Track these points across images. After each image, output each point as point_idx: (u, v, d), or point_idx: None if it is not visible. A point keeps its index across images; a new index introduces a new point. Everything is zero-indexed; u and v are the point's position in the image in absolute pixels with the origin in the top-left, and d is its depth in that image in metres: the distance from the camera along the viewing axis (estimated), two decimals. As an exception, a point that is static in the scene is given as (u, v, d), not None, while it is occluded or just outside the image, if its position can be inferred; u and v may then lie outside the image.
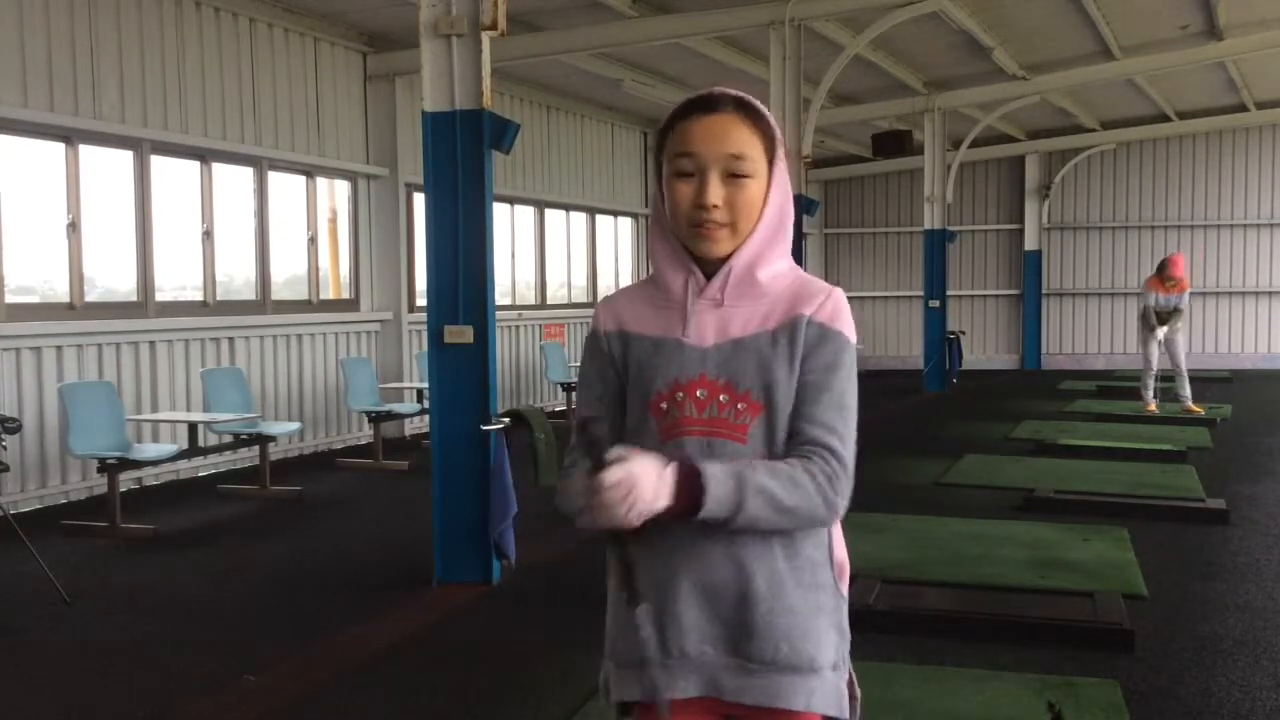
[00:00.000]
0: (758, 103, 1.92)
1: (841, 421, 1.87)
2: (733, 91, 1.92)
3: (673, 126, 1.91)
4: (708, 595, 1.87)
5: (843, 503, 1.85)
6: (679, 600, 1.87)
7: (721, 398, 1.87)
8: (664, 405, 1.89)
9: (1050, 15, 12.88)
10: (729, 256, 1.90)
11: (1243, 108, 18.96)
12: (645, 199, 17.35)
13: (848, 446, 1.87)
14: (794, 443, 1.86)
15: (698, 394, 1.87)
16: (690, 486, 1.76)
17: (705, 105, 1.89)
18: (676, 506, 1.76)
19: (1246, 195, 20.18)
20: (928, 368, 17.22)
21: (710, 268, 1.91)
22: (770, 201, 1.90)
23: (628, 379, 1.94)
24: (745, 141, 1.87)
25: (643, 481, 1.72)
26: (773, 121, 1.93)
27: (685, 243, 1.91)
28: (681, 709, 1.90)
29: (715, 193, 1.85)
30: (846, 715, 1.93)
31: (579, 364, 2.01)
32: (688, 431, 1.87)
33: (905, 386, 16.43)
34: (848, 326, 1.90)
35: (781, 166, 1.93)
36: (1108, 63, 14.78)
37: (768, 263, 1.91)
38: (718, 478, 1.77)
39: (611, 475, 1.72)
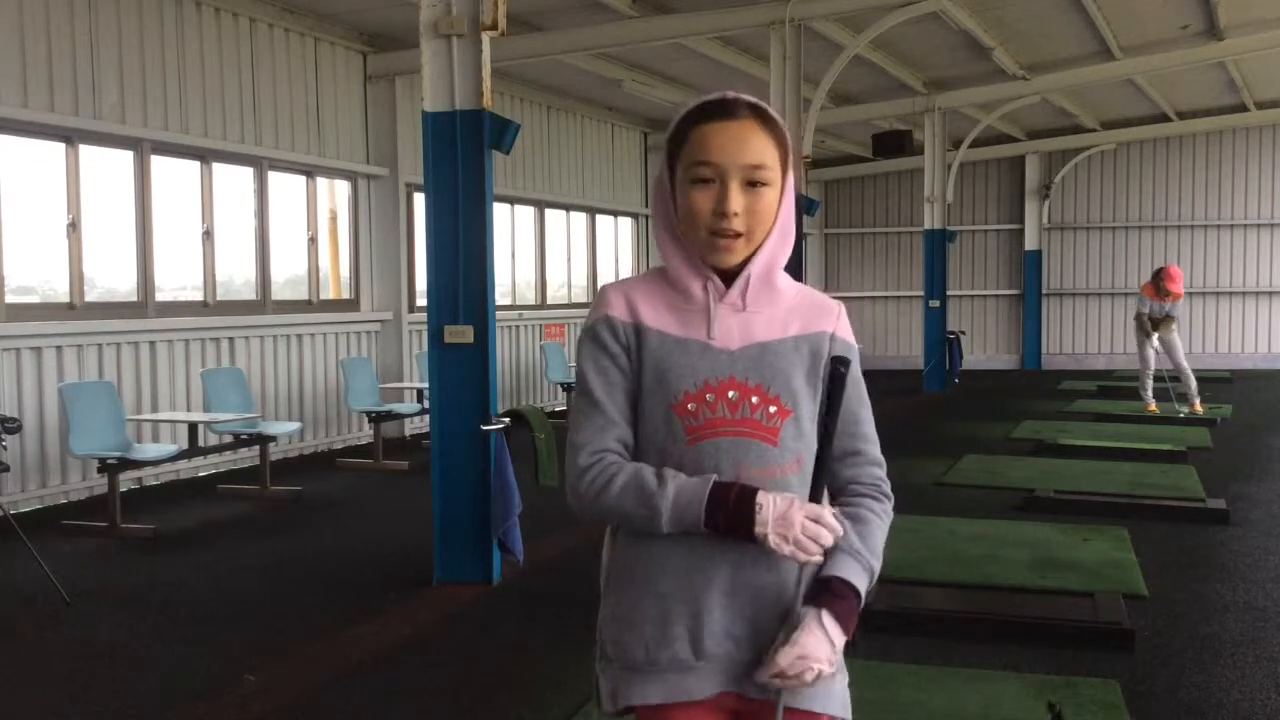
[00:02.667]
0: (772, 109, 1.92)
1: (874, 428, 2.01)
2: (747, 97, 1.90)
3: (686, 131, 1.88)
4: (741, 597, 1.87)
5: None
6: (711, 602, 1.87)
7: (753, 399, 1.88)
8: (691, 406, 1.87)
9: (1050, 15, 12.88)
10: (745, 261, 1.90)
11: (1243, 108, 18.97)
12: (645, 199, 17.35)
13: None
14: (855, 463, 1.96)
15: (729, 395, 1.87)
16: (851, 609, 1.86)
17: (722, 111, 1.87)
18: (849, 628, 1.87)
19: (1246, 195, 20.18)
20: (928, 368, 17.22)
21: (725, 272, 1.92)
22: (783, 207, 1.91)
23: (642, 375, 1.90)
24: (764, 150, 1.86)
25: (819, 653, 1.81)
26: (785, 129, 1.93)
27: (698, 251, 1.90)
28: (692, 710, 1.90)
29: (736, 201, 1.84)
30: (849, 715, 1.95)
31: (580, 352, 1.95)
32: (720, 432, 1.87)
33: (905, 386, 16.43)
34: (854, 338, 2.01)
35: (791, 174, 1.94)
36: (1108, 63, 14.78)
37: (779, 268, 1.94)
38: (863, 585, 1.88)
39: (785, 659, 1.80)
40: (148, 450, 8.13)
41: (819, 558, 1.82)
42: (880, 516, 1.94)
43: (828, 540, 1.81)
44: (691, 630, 1.87)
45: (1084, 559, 6.37)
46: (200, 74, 9.74)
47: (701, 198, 1.85)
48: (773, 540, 1.78)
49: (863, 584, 1.86)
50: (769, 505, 1.79)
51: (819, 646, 1.80)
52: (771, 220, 1.89)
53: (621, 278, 2.07)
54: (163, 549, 7.11)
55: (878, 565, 1.90)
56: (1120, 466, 9.53)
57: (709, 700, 1.89)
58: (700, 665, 1.88)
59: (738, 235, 1.85)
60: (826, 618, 1.82)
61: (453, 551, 6.06)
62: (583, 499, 1.89)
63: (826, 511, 1.83)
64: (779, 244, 1.92)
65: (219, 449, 9.02)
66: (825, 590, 1.84)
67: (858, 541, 1.88)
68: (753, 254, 1.89)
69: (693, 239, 1.88)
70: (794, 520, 1.79)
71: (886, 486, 1.97)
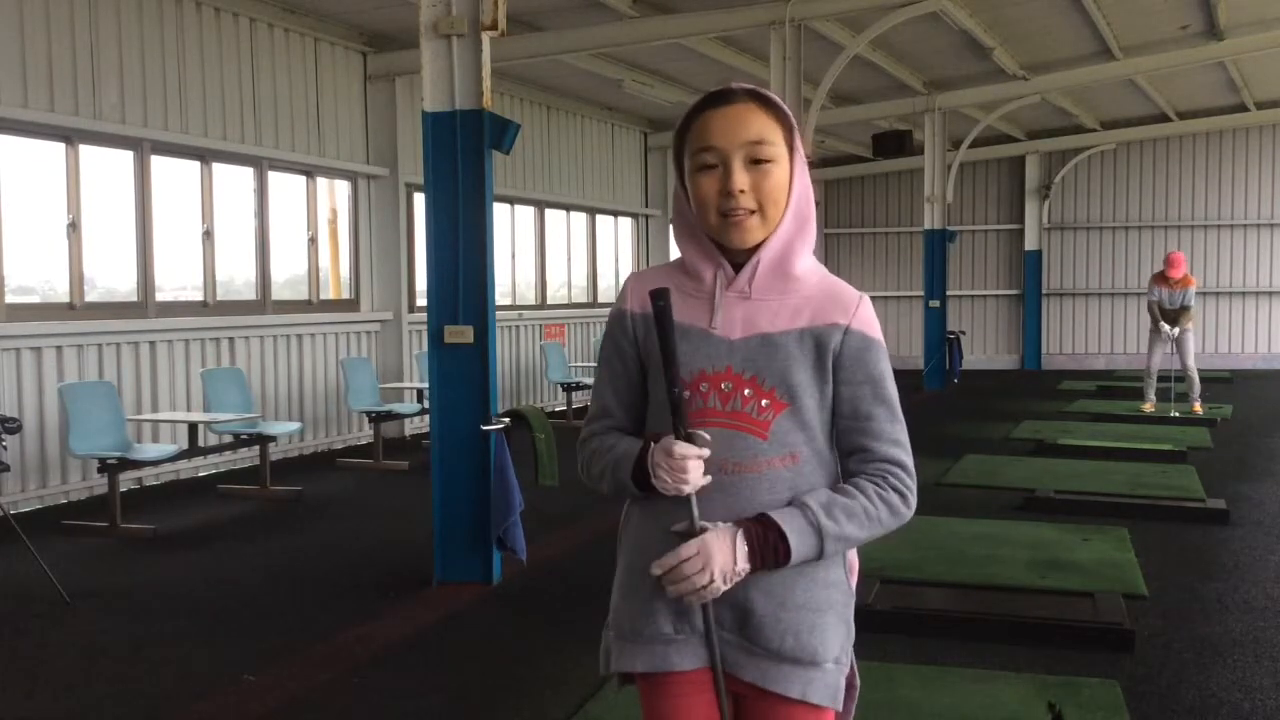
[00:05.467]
0: (772, 94, 1.95)
1: (901, 430, 1.95)
2: (746, 85, 1.94)
3: (690, 124, 1.93)
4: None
5: (913, 508, 1.94)
6: None
7: (746, 392, 1.89)
8: (686, 394, 1.91)
9: (1050, 15, 12.88)
10: (757, 248, 1.91)
11: (1243, 108, 18.97)
12: (645, 199, 17.37)
13: (909, 451, 1.95)
14: (863, 459, 1.93)
15: (722, 386, 1.90)
16: (769, 541, 1.84)
17: (720, 99, 1.91)
18: (756, 566, 1.85)
19: (1246, 195, 20.18)
20: (928, 368, 17.23)
21: (738, 260, 1.93)
22: (794, 188, 1.92)
23: (648, 360, 1.96)
24: (764, 127, 1.88)
25: (717, 556, 1.81)
26: (788, 110, 1.95)
27: (715, 236, 1.92)
28: (683, 682, 1.95)
29: (740, 178, 1.87)
30: (839, 707, 1.96)
31: (601, 341, 2.07)
32: (709, 422, 1.90)
33: (905, 386, 16.14)
34: (879, 331, 1.95)
35: (801, 155, 1.94)
36: (1108, 63, 14.78)
37: (797, 255, 1.93)
38: (800, 541, 1.85)
39: (687, 550, 1.82)
40: (148, 450, 8.13)
41: (687, 487, 1.83)
42: (869, 496, 1.89)
43: (679, 467, 1.82)
44: (673, 605, 1.92)
45: (1084, 559, 6.37)
46: (200, 74, 9.74)
47: (708, 182, 1.89)
48: (655, 482, 1.86)
49: (798, 532, 1.84)
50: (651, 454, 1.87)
51: (722, 554, 1.81)
52: (784, 200, 1.91)
53: (644, 268, 2.11)
54: (163, 549, 7.11)
55: (833, 526, 1.85)
56: (1120, 466, 9.52)
57: (702, 676, 1.93)
58: (681, 639, 1.93)
59: (750, 212, 1.88)
60: (740, 537, 1.83)
61: (453, 551, 6.06)
62: (580, 472, 2.06)
63: (678, 444, 1.83)
64: (795, 229, 1.92)
65: (219, 449, 9.02)
66: (754, 522, 1.85)
67: (815, 501, 1.87)
68: (766, 239, 1.91)
69: (707, 226, 1.92)
70: (657, 461, 1.85)
71: (898, 480, 1.91)
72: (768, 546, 1.84)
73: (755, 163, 1.87)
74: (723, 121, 1.88)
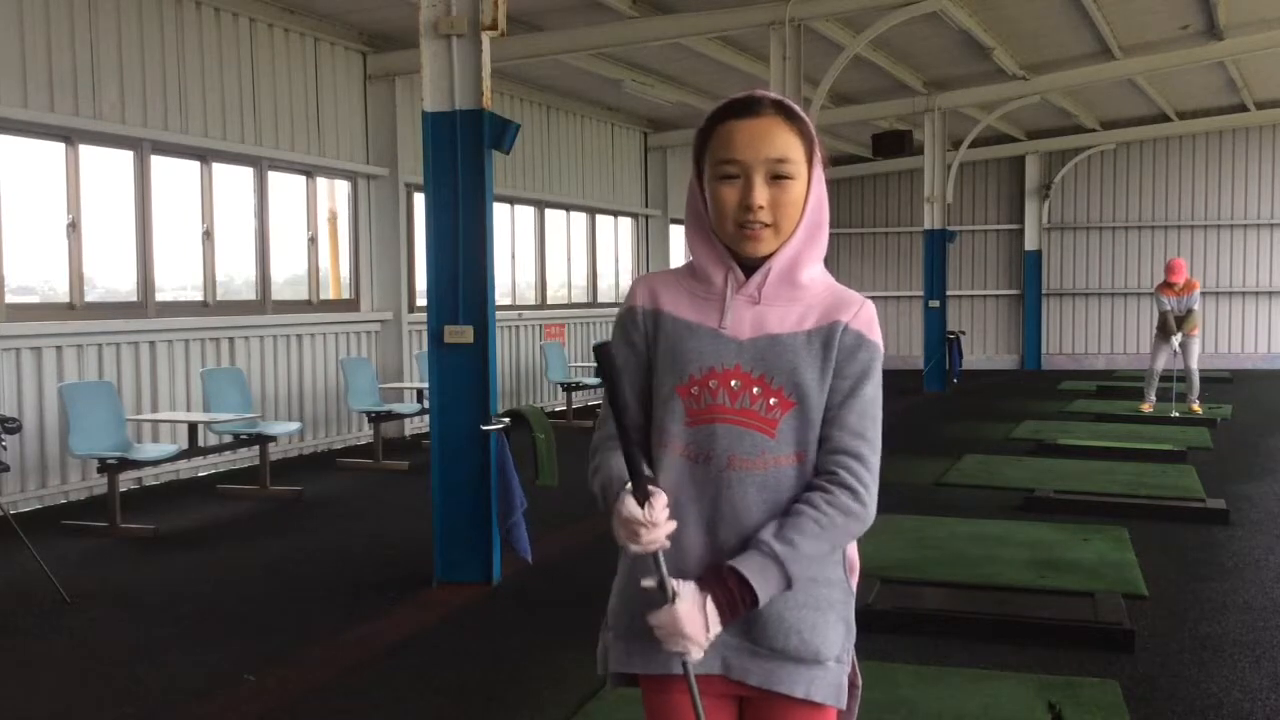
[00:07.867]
0: (796, 106, 1.97)
1: (870, 426, 1.95)
2: (772, 94, 1.96)
3: (713, 129, 1.95)
4: None
5: (872, 508, 1.94)
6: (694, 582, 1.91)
7: (754, 390, 1.92)
8: (694, 390, 1.94)
9: (1050, 15, 12.88)
10: (769, 256, 1.94)
11: (1243, 108, 18.97)
12: (645, 199, 17.37)
13: (874, 449, 1.95)
14: (826, 449, 1.94)
15: (731, 384, 1.93)
16: (736, 595, 1.86)
17: (747, 108, 1.93)
18: (727, 620, 1.87)
19: (1246, 195, 20.18)
20: (928, 368, 17.22)
21: (749, 265, 1.96)
22: (810, 202, 1.95)
23: (656, 357, 1.98)
24: (787, 144, 1.91)
25: (688, 627, 1.84)
26: (810, 124, 1.97)
27: (729, 243, 1.95)
28: (685, 685, 1.94)
29: (760, 194, 1.90)
30: (843, 705, 1.98)
31: (610, 339, 2.06)
32: (718, 419, 1.92)
33: (905, 386, 16.41)
34: (879, 336, 1.98)
35: (819, 168, 1.97)
36: (1108, 63, 14.78)
37: (806, 264, 1.96)
38: (763, 579, 1.87)
39: (657, 619, 1.85)
40: (148, 450, 8.13)
41: (635, 547, 1.84)
42: (815, 506, 1.89)
43: (640, 531, 1.82)
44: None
45: (1084, 559, 6.37)
46: (200, 74, 9.74)
47: (728, 193, 1.92)
48: (616, 537, 1.89)
49: (759, 572, 1.86)
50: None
51: (692, 624, 1.83)
52: (799, 213, 1.94)
53: (646, 274, 2.11)
54: (163, 549, 7.11)
55: (789, 551, 1.86)
56: (1120, 466, 9.52)
57: (705, 680, 1.92)
58: None
59: (765, 226, 1.91)
60: (709, 604, 1.86)
61: (453, 551, 6.06)
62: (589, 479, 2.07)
63: (628, 504, 1.84)
64: (806, 240, 1.96)
65: (219, 449, 9.01)
66: (717, 576, 1.88)
67: (767, 534, 1.88)
68: (778, 249, 1.94)
69: (722, 233, 1.95)
70: (615, 524, 1.87)
71: (849, 475, 1.91)
72: (735, 600, 1.87)
73: (776, 178, 1.90)
74: (748, 134, 1.90)
